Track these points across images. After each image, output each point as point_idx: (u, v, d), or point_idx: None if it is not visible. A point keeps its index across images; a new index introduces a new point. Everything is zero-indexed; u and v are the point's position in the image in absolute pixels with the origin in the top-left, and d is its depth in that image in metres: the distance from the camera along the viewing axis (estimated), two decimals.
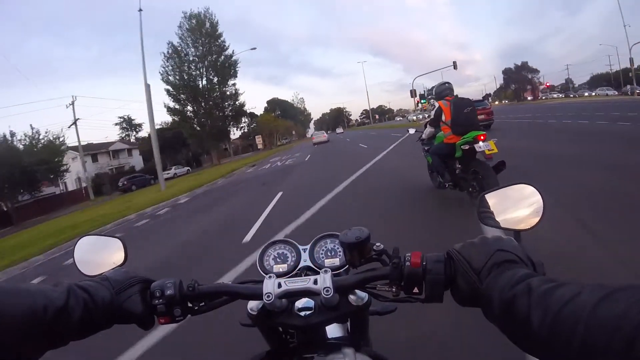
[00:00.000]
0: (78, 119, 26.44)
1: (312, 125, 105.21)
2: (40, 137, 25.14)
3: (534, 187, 0.52)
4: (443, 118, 3.63)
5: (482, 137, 3.29)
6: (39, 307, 0.37)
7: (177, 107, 32.59)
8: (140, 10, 14.22)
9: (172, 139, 36.86)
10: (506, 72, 67.08)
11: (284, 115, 70.33)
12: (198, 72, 32.81)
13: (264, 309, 0.50)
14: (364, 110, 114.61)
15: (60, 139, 26.14)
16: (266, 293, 0.47)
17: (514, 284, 0.35)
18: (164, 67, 31.65)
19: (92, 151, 35.52)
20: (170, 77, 31.71)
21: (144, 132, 44.65)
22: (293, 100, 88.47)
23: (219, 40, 33.19)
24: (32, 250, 7.11)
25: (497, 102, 61.18)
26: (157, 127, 40.76)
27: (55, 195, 28.58)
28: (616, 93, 35.87)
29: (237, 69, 34.00)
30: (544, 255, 0.57)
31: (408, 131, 5.55)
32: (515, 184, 0.54)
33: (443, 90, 3.82)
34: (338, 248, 0.62)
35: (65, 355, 0.51)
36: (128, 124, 46.17)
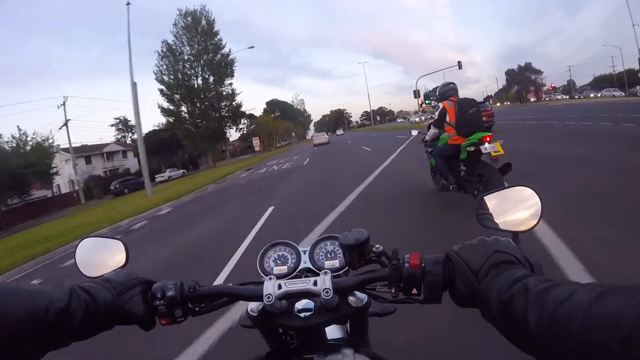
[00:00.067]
0: (69, 120, 26.36)
1: (312, 126, 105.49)
2: (28, 139, 25.01)
3: (533, 189, 0.54)
4: (447, 119, 3.62)
5: (488, 139, 3.28)
6: (41, 308, 0.38)
7: (171, 107, 32.28)
8: (128, 3, 14.05)
9: (168, 140, 36.74)
10: (509, 73, 67.42)
11: (284, 117, 70.29)
12: (193, 71, 32.54)
13: (264, 310, 0.51)
14: (364, 111, 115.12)
15: (49, 141, 26.02)
16: (266, 294, 0.48)
17: (511, 284, 0.36)
18: (158, 67, 31.48)
19: (86, 153, 35.37)
20: (164, 77, 31.52)
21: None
22: (293, 101, 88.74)
23: (216, 39, 33.00)
24: None
25: (498, 104, 61.43)
26: (153, 128, 40.74)
27: (46, 199, 28.45)
28: (623, 94, 36.02)
29: (234, 68, 33.85)
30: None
31: (411, 133, 5.53)
32: (514, 186, 0.56)
33: (447, 91, 3.80)
34: (338, 250, 0.63)
35: (66, 356, 0.53)
36: (124, 125, 45.97)
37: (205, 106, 33.10)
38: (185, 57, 32.29)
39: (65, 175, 30.83)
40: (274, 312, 0.51)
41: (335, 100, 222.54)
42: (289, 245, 0.66)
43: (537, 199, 0.53)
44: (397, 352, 1.54)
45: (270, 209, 5.67)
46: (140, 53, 56.02)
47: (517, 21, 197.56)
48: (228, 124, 36.58)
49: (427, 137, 4.31)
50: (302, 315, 0.52)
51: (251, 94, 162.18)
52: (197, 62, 32.46)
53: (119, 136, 45.46)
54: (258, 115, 58.33)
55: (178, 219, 7.61)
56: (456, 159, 3.64)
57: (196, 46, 32.25)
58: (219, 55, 33.16)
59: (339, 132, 62.69)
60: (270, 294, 0.48)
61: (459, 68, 26.67)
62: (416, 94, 29.87)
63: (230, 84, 34.50)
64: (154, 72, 31.35)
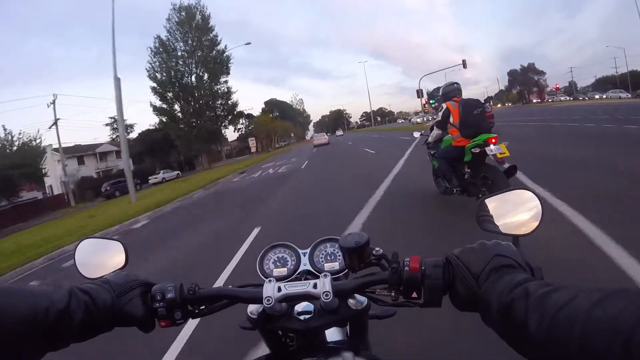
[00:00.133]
0: (58, 119, 26.08)
1: (311, 127, 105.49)
2: (14, 139, 24.60)
3: (533, 192, 0.56)
4: (451, 120, 3.60)
5: (493, 140, 3.27)
6: (41, 309, 0.39)
7: (164, 106, 31.88)
8: None
9: (162, 140, 36.55)
10: (511, 74, 67.77)
11: (283, 117, 70.15)
12: (187, 68, 32.18)
13: (264, 312, 0.53)
14: (364, 112, 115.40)
15: (37, 141, 25.60)
16: (266, 297, 0.49)
17: (511, 288, 0.36)
18: (150, 64, 31.18)
19: (78, 153, 35.05)
20: (157, 74, 31.15)
21: (135, 134, 44.27)
22: (292, 101, 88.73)
23: (211, 35, 32.67)
24: None
25: (499, 105, 61.66)
26: (147, 127, 40.42)
27: (36, 201, 28.22)
28: (629, 96, 36.20)
29: (229, 65, 33.54)
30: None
31: (413, 134, 5.51)
32: (514, 189, 0.58)
33: (451, 91, 3.79)
34: (338, 252, 0.64)
35: (65, 356, 0.54)
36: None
37: (199, 105, 32.75)
38: (179, 54, 31.93)
39: (57, 177, 30.66)
40: (274, 314, 0.52)
41: (335, 101, 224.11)
42: (289, 247, 0.68)
43: (538, 201, 0.55)
44: (397, 355, 1.56)
45: (256, 230, 4.66)
46: (140, 53, 55.90)
47: (517, 22, 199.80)
48: (224, 124, 36.28)
49: (430, 139, 4.29)
50: (301, 317, 0.53)
51: (251, 94, 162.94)
52: (191, 58, 32.12)
53: (114, 136, 45.24)
54: (256, 115, 58.40)
55: (150, 237, 6.61)
56: (460, 161, 3.62)
57: (190, 42, 31.91)
58: (214, 52, 32.82)
59: (339, 132, 62.82)
60: (270, 297, 0.49)
61: (464, 67, 26.35)
62: (419, 93, 29.49)
63: (226, 82, 34.25)
64: (146, 69, 31.17)
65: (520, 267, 0.42)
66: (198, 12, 32.17)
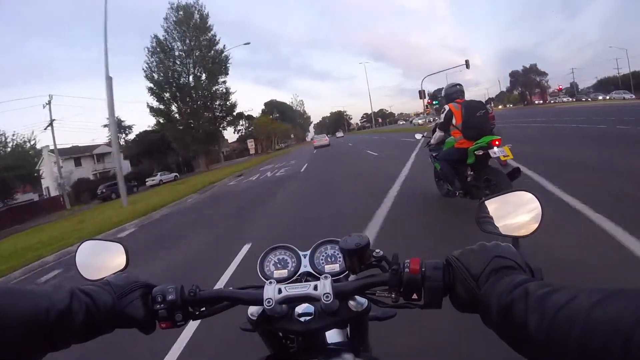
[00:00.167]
0: (54, 120, 26.01)
1: (311, 128, 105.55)
2: (8, 140, 24.50)
3: (533, 194, 0.56)
4: (454, 122, 3.60)
5: (497, 142, 3.27)
6: (42, 309, 0.40)
7: (161, 107, 31.64)
8: None
9: (160, 142, 36.51)
10: (513, 75, 68.04)
11: (283, 118, 70.09)
12: (184, 68, 32.00)
13: (264, 314, 0.53)
14: (364, 113, 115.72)
15: (31, 142, 25.49)
16: (266, 299, 0.50)
17: (511, 289, 0.37)
18: (147, 64, 30.98)
19: (75, 154, 34.91)
20: (154, 75, 30.94)
21: (133, 135, 44.27)
22: (292, 102, 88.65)
23: (209, 34, 32.49)
24: None
25: (500, 107, 61.77)
26: (146, 129, 40.31)
27: (32, 203, 28.18)
28: (633, 97, 36.27)
29: (228, 65, 33.36)
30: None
31: (415, 136, 5.51)
32: (515, 190, 0.58)
33: (454, 92, 3.79)
34: (338, 254, 0.65)
35: (65, 357, 0.54)
36: (117, 126, 45.86)
37: (197, 105, 32.53)
38: (176, 54, 31.75)
39: (54, 178, 30.66)
40: (274, 316, 0.53)
41: (335, 102, 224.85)
42: (289, 249, 0.68)
43: (538, 203, 0.55)
44: (397, 356, 1.58)
45: (246, 247, 4.07)
46: (141, 53, 56.00)
47: (518, 24, 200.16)
48: (222, 125, 36.09)
49: (432, 141, 4.29)
50: (302, 319, 0.53)
51: (250, 95, 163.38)
52: (188, 58, 31.95)
53: None
54: (256, 117, 58.46)
55: (132, 248, 5.81)
56: (463, 164, 3.63)
57: (188, 42, 31.74)
58: (212, 52, 32.67)
59: (339, 134, 63.02)
60: (270, 298, 0.50)
61: (467, 67, 26.18)
62: (422, 94, 29.37)
63: (224, 82, 34.05)
64: (143, 69, 30.98)
65: (520, 268, 0.42)
66: (196, 11, 32.01)
